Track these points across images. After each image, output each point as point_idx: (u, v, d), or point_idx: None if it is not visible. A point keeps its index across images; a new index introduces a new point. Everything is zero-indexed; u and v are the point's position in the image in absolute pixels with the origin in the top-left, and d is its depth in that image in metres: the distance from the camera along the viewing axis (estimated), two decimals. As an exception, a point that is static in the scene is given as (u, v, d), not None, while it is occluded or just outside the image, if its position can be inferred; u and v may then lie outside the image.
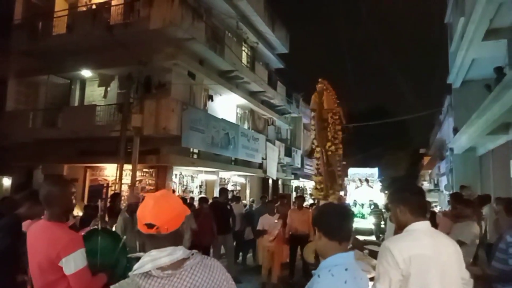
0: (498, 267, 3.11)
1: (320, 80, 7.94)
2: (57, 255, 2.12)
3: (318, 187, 7.60)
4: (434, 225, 3.32)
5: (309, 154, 7.34)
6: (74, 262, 2.13)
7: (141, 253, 1.47)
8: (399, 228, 2.07)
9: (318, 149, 7.59)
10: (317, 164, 7.85)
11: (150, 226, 1.43)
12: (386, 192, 30.76)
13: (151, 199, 1.50)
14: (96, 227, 2.76)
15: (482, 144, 11.91)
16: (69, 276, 2.13)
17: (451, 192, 11.46)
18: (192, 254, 1.49)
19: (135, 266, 1.43)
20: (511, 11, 7.43)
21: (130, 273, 1.44)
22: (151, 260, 1.41)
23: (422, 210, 2.02)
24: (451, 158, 15.26)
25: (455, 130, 13.11)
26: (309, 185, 27.81)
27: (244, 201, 16.20)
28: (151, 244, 1.45)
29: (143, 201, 1.54)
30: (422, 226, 1.97)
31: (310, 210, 8.68)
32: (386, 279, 1.88)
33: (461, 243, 3.97)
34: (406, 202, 2.03)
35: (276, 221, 7.02)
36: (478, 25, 9.22)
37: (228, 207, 8.12)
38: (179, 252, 1.45)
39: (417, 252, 1.88)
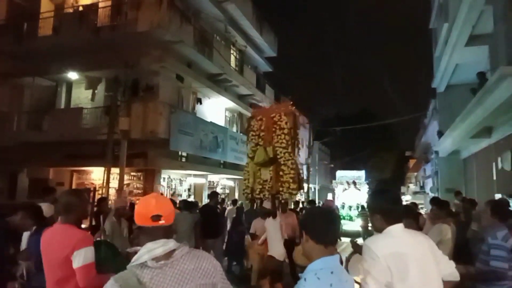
0: (481, 268, 3.19)
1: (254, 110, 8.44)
2: (72, 248, 2.35)
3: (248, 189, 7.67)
4: (418, 226, 3.41)
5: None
6: (84, 256, 2.35)
7: (138, 247, 1.62)
8: (377, 232, 2.22)
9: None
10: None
11: (157, 217, 1.61)
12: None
13: (151, 197, 1.70)
14: (99, 239, 3.00)
15: (466, 147, 12.16)
16: (76, 270, 2.33)
17: (432, 196, 11.66)
18: (181, 246, 1.66)
19: (133, 259, 1.59)
20: (492, 18, 7.63)
21: (128, 265, 1.59)
22: (147, 251, 1.57)
23: (397, 218, 2.14)
24: (436, 161, 15.53)
25: (440, 133, 13.35)
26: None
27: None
28: (148, 238, 1.62)
29: (142, 201, 1.70)
30: (397, 228, 2.10)
31: (294, 213, 8.67)
32: (372, 274, 1.95)
33: None
34: (382, 211, 2.15)
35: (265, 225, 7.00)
36: (461, 31, 9.45)
37: (218, 210, 8.09)
38: (171, 243, 1.63)
39: (395, 250, 1.98)
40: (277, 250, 6.33)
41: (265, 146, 7.43)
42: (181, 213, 7.35)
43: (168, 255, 1.60)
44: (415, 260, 1.98)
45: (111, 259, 2.79)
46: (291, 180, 7.20)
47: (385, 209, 2.15)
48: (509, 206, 4.11)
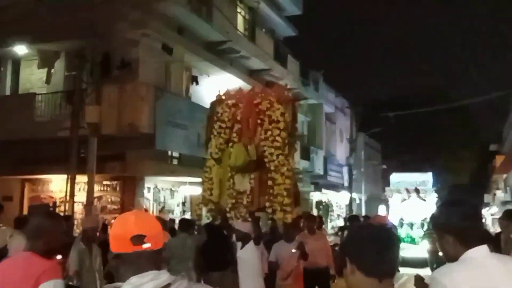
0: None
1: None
2: (36, 281, 2.44)
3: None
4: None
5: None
6: None
7: (118, 283, 1.60)
8: (449, 261, 2.17)
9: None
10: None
11: (138, 239, 1.58)
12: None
13: (129, 214, 1.70)
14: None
15: None
16: None
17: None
18: (178, 279, 1.63)
19: None
20: None
21: None
22: None
23: (478, 240, 2.11)
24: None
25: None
26: (335, 198, 27.87)
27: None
28: (131, 270, 1.59)
29: (118, 220, 1.71)
30: (480, 253, 2.06)
31: (326, 234, 8.63)
32: None
33: None
34: (456, 230, 2.12)
35: (293, 250, 6.98)
36: None
37: (225, 231, 8.10)
38: (164, 276, 1.60)
39: (479, 284, 1.94)
40: None
41: (245, 144, 7.29)
42: (178, 237, 7.42)
43: None
44: None
45: None
46: (285, 193, 7.04)
47: (460, 227, 2.12)
48: None
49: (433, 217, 2.33)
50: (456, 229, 2.12)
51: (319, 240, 7.59)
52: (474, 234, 2.12)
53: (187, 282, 1.68)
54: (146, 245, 1.61)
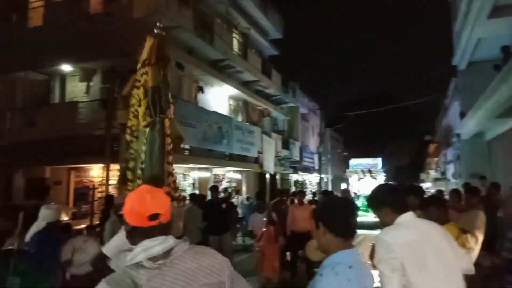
0: (506, 257, 3.15)
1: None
2: None
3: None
4: (446, 213, 3.36)
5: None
6: None
7: (132, 246, 1.53)
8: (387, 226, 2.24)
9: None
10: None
11: (154, 216, 1.52)
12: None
13: (145, 192, 1.59)
14: (11, 247, 2.45)
15: (491, 129, 11.99)
16: None
17: (465, 182, 11.56)
18: (181, 242, 1.57)
19: (127, 258, 1.50)
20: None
21: (122, 265, 1.51)
22: (143, 250, 1.49)
23: (403, 206, 2.20)
24: (458, 144, 15.37)
25: (462, 115, 13.18)
26: (309, 178, 27.96)
27: (241, 197, 16.27)
28: (144, 237, 1.52)
29: (134, 197, 1.59)
30: (408, 217, 2.15)
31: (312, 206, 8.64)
32: (389, 263, 1.96)
33: (464, 232, 4.06)
34: (389, 203, 2.21)
35: (264, 219, 6.95)
36: (484, 2, 9.22)
37: (224, 205, 8.09)
38: (170, 240, 1.54)
39: (410, 238, 2.02)
40: None
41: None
42: (190, 208, 7.39)
43: (167, 253, 1.52)
44: (433, 249, 1.99)
45: (30, 278, 2.30)
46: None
47: (391, 200, 2.21)
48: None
49: (372, 196, 2.36)
50: (389, 201, 2.21)
51: (305, 210, 7.57)
52: (402, 204, 2.21)
53: (189, 244, 1.60)
54: (159, 220, 1.54)
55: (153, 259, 1.49)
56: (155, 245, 1.50)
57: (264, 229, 6.68)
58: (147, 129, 2.72)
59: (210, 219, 7.33)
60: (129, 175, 3.05)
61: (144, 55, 3.00)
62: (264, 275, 6.61)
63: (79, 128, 12.40)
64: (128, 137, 3.13)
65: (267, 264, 6.62)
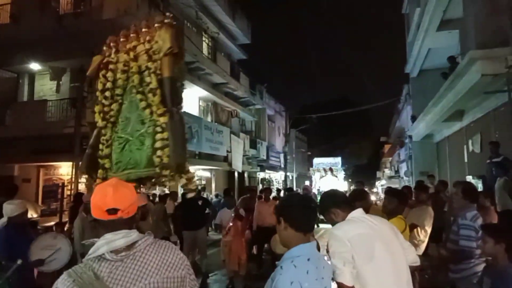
0: (451, 248, 3.31)
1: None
2: None
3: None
4: (399, 206, 3.47)
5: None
6: None
7: (95, 239, 1.50)
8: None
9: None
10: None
11: (113, 211, 1.48)
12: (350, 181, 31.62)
13: (109, 186, 1.54)
14: None
15: (439, 131, 12.56)
16: None
17: (417, 180, 12.02)
18: (145, 236, 1.54)
19: (90, 251, 1.46)
20: (461, 2, 7.81)
21: (84, 258, 1.47)
22: (106, 243, 1.45)
23: (352, 207, 2.29)
24: (410, 145, 15.98)
25: (413, 118, 13.70)
26: (275, 176, 28.16)
27: (210, 195, 16.17)
28: (107, 230, 1.49)
29: (98, 190, 1.55)
30: (358, 213, 2.22)
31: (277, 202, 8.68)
32: (341, 255, 2.00)
33: (414, 226, 4.23)
34: (337, 204, 2.28)
35: (232, 215, 6.95)
36: (433, 15, 9.65)
37: (200, 202, 7.96)
38: (133, 234, 1.51)
39: (359, 231, 2.08)
40: None
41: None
42: (156, 205, 7.29)
43: (130, 246, 1.48)
44: (381, 241, 2.05)
45: None
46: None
47: (339, 201, 2.29)
48: (476, 188, 4.27)
49: (320, 203, 2.39)
50: (337, 202, 2.29)
51: (271, 206, 7.59)
52: (348, 204, 2.31)
53: (152, 238, 1.57)
54: (119, 215, 1.49)
55: (116, 251, 1.46)
56: (118, 238, 1.47)
57: (231, 224, 6.65)
58: (161, 118, 2.60)
59: (186, 215, 7.24)
60: (107, 162, 2.88)
61: (165, 44, 2.75)
62: (231, 268, 6.59)
63: (48, 126, 12.00)
64: (101, 123, 2.93)
65: (234, 257, 6.60)
